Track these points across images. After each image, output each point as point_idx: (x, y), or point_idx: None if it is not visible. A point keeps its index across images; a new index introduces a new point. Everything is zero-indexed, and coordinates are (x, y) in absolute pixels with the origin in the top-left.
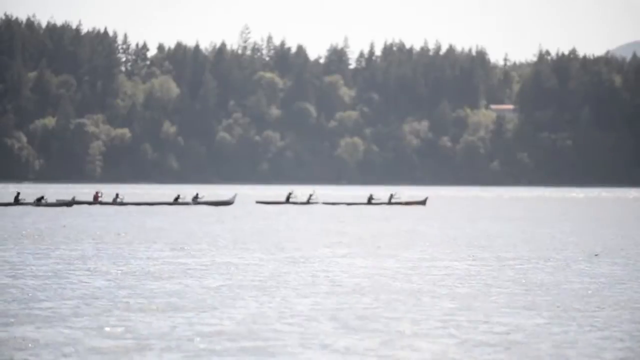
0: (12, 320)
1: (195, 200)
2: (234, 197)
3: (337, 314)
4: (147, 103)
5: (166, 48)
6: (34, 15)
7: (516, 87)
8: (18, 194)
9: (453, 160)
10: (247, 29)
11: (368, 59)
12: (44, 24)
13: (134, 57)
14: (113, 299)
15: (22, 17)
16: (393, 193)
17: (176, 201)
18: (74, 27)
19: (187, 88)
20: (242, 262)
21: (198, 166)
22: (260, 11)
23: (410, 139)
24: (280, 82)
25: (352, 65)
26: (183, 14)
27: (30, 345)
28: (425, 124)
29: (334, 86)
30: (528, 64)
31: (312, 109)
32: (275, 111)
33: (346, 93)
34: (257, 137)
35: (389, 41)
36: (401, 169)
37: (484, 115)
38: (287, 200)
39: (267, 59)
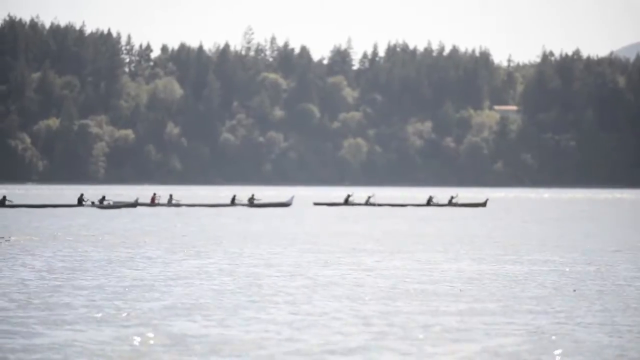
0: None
1: (252, 202)
2: (292, 198)
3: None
4: (150, 104)
5: (170, 49)
6: (37, 16)
7: (520, 88)
8: (82, 195)
9: (456, 161)
10: (250, 30)
11: (371, 60)
12: (47, 25)
13: (137, 58)
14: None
15: (26, 18)
16: (453, 195)
17: (233, 203)
18: (77, 28)
19: (190, 89)
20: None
21: (201, 167)
22: (263, 12)
23: (414, 139)
24: (283, 83)
25: (356, 66)
26: (186, 15)
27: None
28: (428, 125)
29: (337, 87)
30: (532, 65)
31: (315, 110)
32: (278, 112)
33: (349, 94)
34: (260, 138)
35: (392, 42)
36: (404, 170)
37: (488, 116)
38: (346, 202)
39: (271, 60)
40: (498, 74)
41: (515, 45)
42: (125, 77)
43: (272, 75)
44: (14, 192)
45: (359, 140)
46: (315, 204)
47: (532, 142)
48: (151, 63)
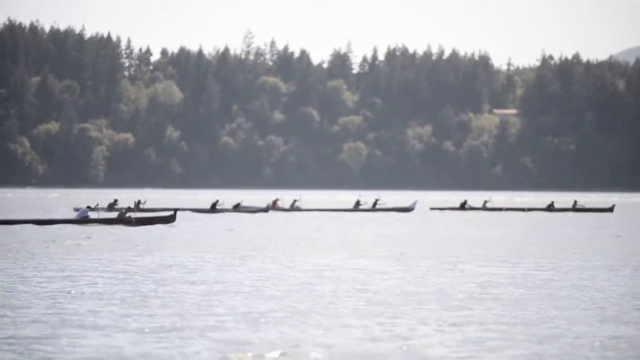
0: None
1: (375, 207)
2: (415, 203)
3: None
4: (150, 108)
5: (169, 53)
6: (37, 20)
7: (519, 92)
8: (217, 201)
9: (456, 164)
10: (250, 33)
11: (371, 64)
12: (47, 29)
13: (137, 61)
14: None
15: (26, 22)
16: (576, 199)
17: (356, 207)
18: (77, 31)
19: (190, 93)
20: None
21: (201, 171)
22: (263, 16)
23: (414, 143)
24: (283, 87)
25: (355, 70)
26: (186, 19)
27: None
28: (428, 129)
29: (337, 91)
30: (531, 69)
31: (315, 114)
32: (278, 116)
33: (349, 98)
34: (260, 142)
35: (392, 46)
36: (404, 174)
37: (487, 120)
38: (462, 207)
39: (270, 63)
40: (497, 77)
41: (514, 49)
42: (125, 81)
43: (271, 79)
44: (17, 195)
45: (359, 144)
46: (432, 208)
47: (531, 146)
48: (151, 67)
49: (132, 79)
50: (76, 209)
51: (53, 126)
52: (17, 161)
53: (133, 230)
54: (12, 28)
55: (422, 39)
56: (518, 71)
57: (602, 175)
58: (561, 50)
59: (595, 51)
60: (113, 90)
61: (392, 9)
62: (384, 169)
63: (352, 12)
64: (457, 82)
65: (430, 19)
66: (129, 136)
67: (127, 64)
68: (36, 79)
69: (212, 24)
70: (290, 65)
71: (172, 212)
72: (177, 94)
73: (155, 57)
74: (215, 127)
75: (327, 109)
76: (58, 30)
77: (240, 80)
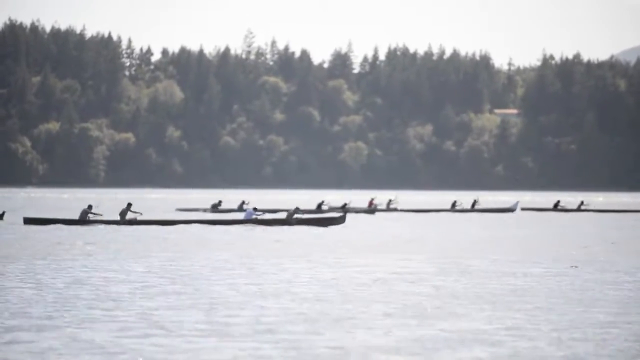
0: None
1: (474, 207)
2: (516, 204)
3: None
4: (151, 107)
5: (170, 52)
6: (38, 20)
7: (520, 92)
8: (322, 202)
9: (457, 164)
10: (251, 33)
11: (372, 64)
12: (48, 29)
13: (138, 61)
14: None
15: (27, 22)
16: None
17: (453, 208)
18: (78, 31)
19: (191, 92)
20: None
21: (202, 170)
22: (264, 15)
23: (414, 143)
24: (284, 87)
25: (356, 69)
26: (187, 19)
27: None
28: (429, 129)
29: (337, 91)
30: (532, 69)
31: (315, 114)
32: (279, 116)
33: (350, 97)
34: (261, 142)
35: (393, 46)
36: (405, 174)
37: (488, 120)
38: (555, 208)
39: (271, 63)
40: (498, 77)
41: (515, 49)
42: (125, 81)
43: (272, 79)
44: (17, 195)
45: (360, 143)
46: (523, 209)
47: (532, 146)
48: (152, 66)
49: (133, 78)
50: (179, 210)
51: (54, 126)
52: (18, 161)
53: (325, 231)
54: (13, 28)
55: (423, 39)
56: (519, 71)
57: (603, 175)
58: (562, 50)
59: (596, 51)
60: (114, 90)
61: (393, 9)
62: (385, 168)
63: (353, 11)
64: (458, 82)
65: (431, 19)
66: (129, 136)
67: (127, 64)
68: (37, 79)
69: (213, 23)
70: (291, 65)
71: (342, 213)
72: (178, 94)
73: (156, 56)
74: (216, 127)
75: (328, 109)
76: (59, 30)
77: (241, 80)
